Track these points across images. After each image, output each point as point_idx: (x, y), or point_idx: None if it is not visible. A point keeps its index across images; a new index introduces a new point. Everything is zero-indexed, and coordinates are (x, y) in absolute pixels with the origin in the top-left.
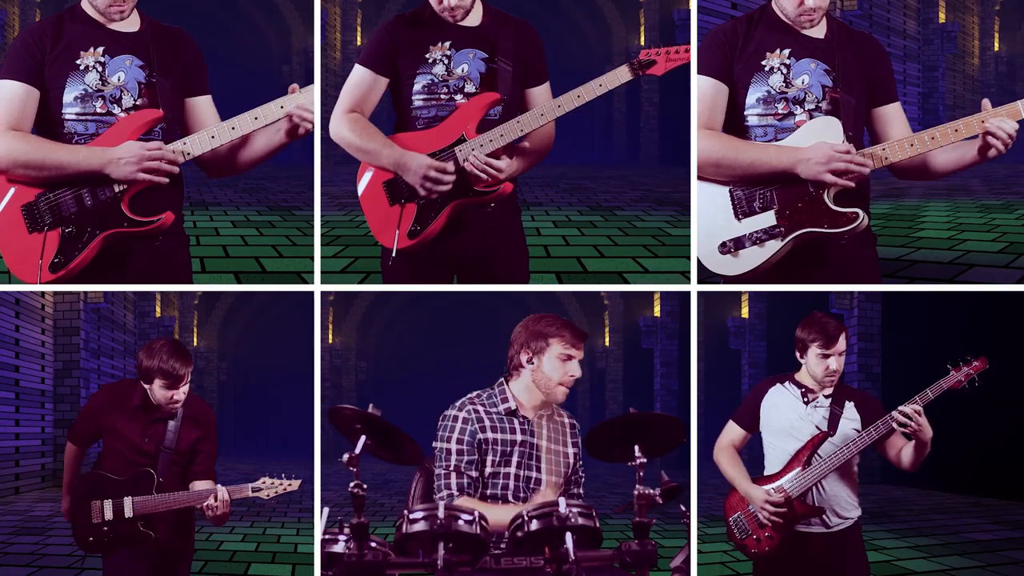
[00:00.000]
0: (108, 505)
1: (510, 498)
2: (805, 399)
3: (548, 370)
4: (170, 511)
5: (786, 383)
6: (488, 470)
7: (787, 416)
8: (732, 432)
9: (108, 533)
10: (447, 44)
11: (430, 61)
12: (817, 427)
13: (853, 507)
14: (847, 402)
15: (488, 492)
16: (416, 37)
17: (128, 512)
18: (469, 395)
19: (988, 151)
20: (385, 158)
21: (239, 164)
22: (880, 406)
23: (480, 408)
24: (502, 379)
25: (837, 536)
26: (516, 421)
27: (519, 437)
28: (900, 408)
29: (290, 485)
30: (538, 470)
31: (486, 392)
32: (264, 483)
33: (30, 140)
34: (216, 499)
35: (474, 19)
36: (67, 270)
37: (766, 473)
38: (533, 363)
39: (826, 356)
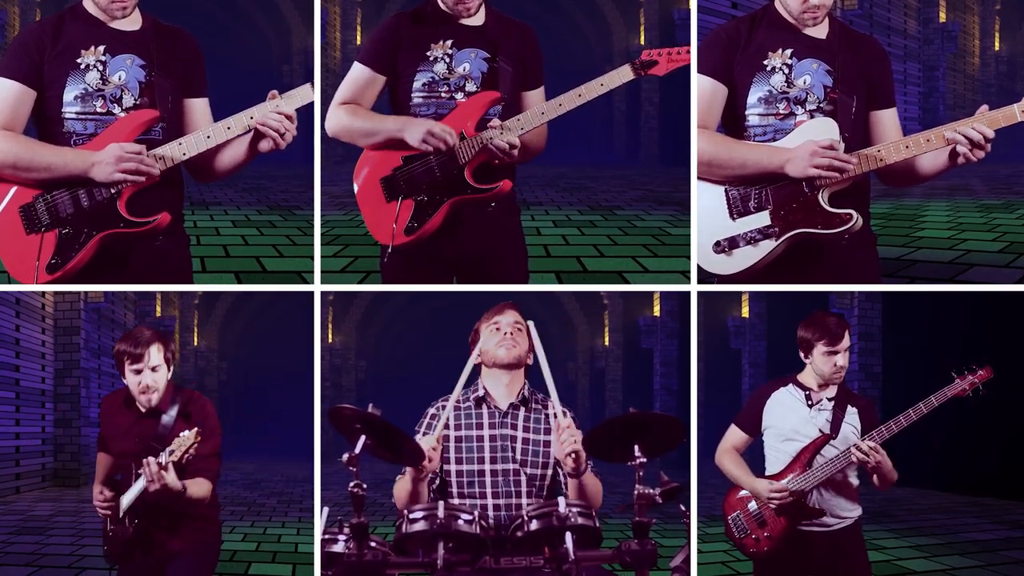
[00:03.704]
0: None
1: (488, 496)
2: (809, 402)
3: (487, 346)
4: (166, 509)
5: (789, 386)
6: (455, 468)
7: (791, 419)
8: (734, 436)
9: (112, 538)
10: (449, 43)
11: (431, 59)
12: (820, 430)
13: (852, 507)
14: (850, 407)
15: (470, 491)
16: (418, 34)
17: (120, 512)
18: (446, 396)
19: (957, 157)
20: (390, 127)
21: (216, 170)
22: (877, 420)
23: (452, 403)
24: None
25: (837, 536)
26: (486, 413)
27: (487, 431)
28: (857, 444)
29: (187, 438)
30: (514, 461)
31: (466, 388)
32: (175, 443)
33: (20, 141)
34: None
35: (477, 19)
36: (64, 271)
37: (767, 475)
38: (479, 355)
39: (833, 353)
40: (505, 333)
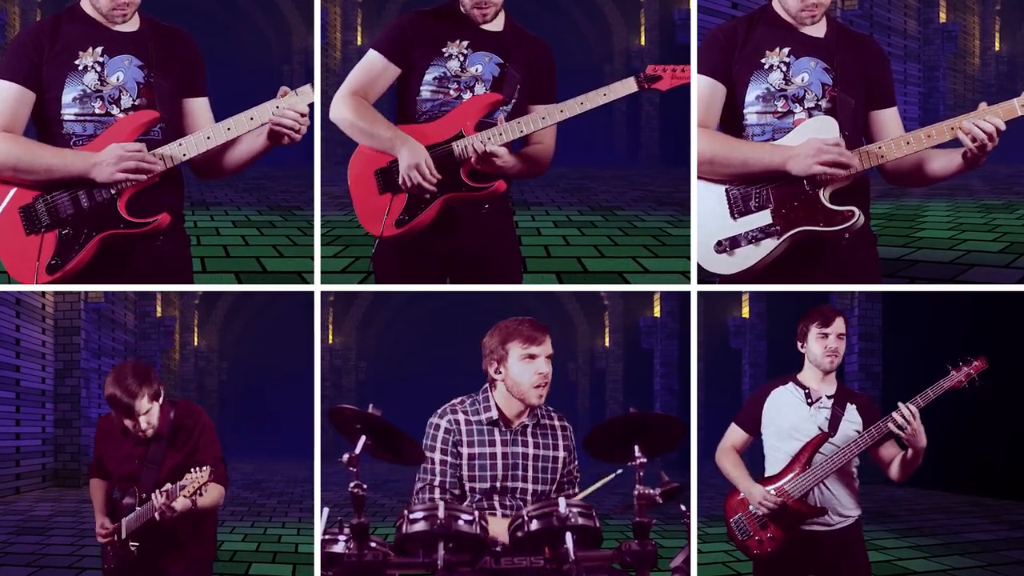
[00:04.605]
0: (115, 529)
1: (498, 512)
2: (808, 400)
3: (516, 375)
4: (169, 532)
5: (789, 384)
6: (468, 485)
7: (790, 417)
8: (734, 435)
9: (113, 558)
10: (465, 43)
11: (446, 55)
12: (820, 428)
13: (853, 506)
14: (849, 404)
15: (479, 506)
16: (435, 30)
17: (123, 533)
18: (453, 401)
19: (968, 157)
20: (385, 139)
21: (224, 167)
22: (879, 416)
23: (462, 417)
24: (487, 385)
25: (838, 535)
26: (498, 432)
27: (499, 449)
28: (900, 409)
29: (200, 476)
30: (524, 480)
31: (471, 399)
32: (188, 479)
33: (20, 142)
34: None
35: (496, 25)
36: (64, 272)
37: (767, 475)
38: (501, 372)
39: (825, 335)
40: (542, 372)
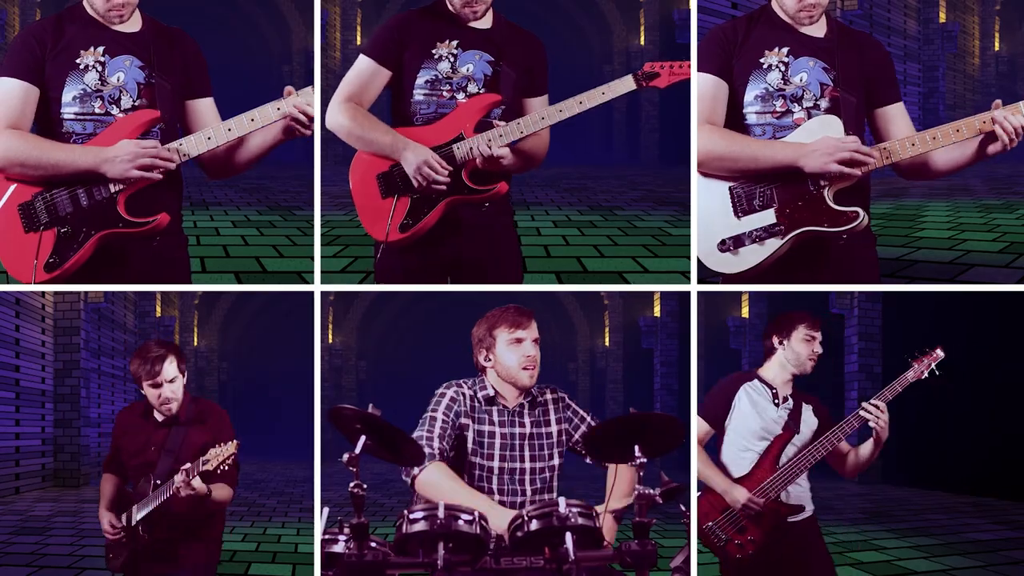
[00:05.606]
0: (124, 517)
1: (495, 492)
2: (776, 400)
3: (505, 361)
4: (179, 522)
5: (754, 381)
6: (468, 459)
7: (759, 417)
8: (699, 428)
9: (118, 547)
10: (454, 43)
11: (436, 57)
12: (786, 427)
13: (809, 500)
14: (804, 404)
15: (479, 484)
16: (424, 32)
17: (134, 520)
18: (458, 380)
19: (989, 145)
20: (386, 145)
21: (237, 164)
22: (828, 415)
23: (467, 392)
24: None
25: (800, 528)
26: (495, 411)
27: (498, 429)
28: (866, 402)
29: (225, 449)
30: (522, 459)
31: (472, 379)
32: (211, 452)
33: (28, 139)
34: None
35: (484, 22)
36: (62, 270)
37: (736, 475)
38: (490, 360)
39: (812, 338)
40: (530, 355)
